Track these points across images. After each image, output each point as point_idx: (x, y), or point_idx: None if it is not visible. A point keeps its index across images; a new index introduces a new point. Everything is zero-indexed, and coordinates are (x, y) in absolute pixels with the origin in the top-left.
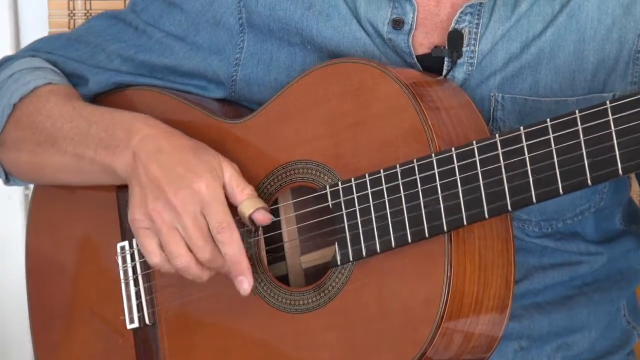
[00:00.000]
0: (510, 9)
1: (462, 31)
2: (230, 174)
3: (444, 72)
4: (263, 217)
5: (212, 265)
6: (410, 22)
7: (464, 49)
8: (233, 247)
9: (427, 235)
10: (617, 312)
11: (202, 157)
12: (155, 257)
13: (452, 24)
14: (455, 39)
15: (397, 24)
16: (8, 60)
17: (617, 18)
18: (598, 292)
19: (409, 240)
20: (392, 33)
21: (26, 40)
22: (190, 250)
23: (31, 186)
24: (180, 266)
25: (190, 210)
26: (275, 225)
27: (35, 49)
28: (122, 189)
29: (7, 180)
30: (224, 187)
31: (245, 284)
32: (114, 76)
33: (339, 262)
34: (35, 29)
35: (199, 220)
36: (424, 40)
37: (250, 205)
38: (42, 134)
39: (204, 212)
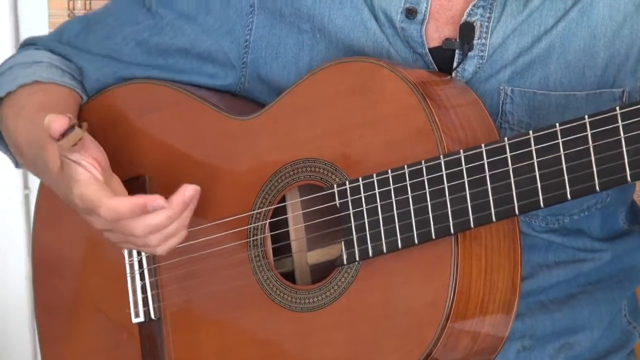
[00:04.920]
0: (522, 3)
1: (474, 24)
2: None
3: (455, 64)
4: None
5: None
6: (423, 11)
7: (475, 41)
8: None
9: (433, 237)
10: (618, 312)
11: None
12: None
13: (464, 17)
14: (466, 31)
15: (410, 13)
16: (24, 45)
17: (628, 15)
18: (601, 291)
19: (416, 241)
20: (405, 22)
21: None
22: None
23: (31, 185)
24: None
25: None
26: (282, 223)
27: (59, 39)
28: (127, 182)
29: (17, 164)
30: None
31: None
32: (123, 69)
33: (345, 262)
34: (35, 29)
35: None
36: (435, 34)
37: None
38: (15, 141)
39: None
